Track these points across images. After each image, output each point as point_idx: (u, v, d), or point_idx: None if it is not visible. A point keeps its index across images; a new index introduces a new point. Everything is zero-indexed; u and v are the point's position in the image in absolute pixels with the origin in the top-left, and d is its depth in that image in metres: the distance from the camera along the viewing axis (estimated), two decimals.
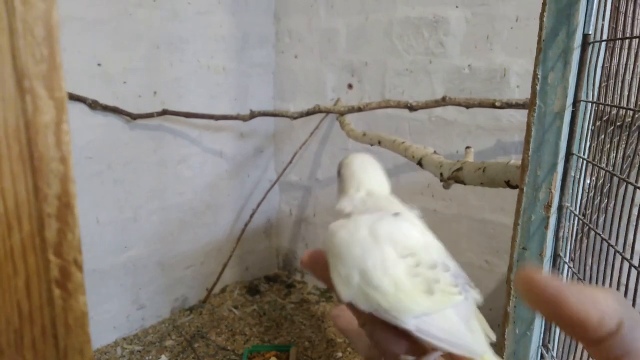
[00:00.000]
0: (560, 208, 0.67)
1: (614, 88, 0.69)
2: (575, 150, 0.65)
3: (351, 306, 0.28)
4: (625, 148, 0.78)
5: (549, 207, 0.66)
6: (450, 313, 0.26)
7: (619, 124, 0.73)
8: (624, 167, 0.91)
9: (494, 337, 0.29)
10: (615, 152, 0.78)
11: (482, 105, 1.56)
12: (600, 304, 0.25)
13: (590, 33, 0.62)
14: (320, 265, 0.30)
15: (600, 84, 0.68)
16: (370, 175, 0.34)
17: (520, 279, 0.23)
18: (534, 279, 0.23)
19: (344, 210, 0.32)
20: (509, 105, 1.50)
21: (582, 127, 0.66)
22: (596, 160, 0.72)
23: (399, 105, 1.69)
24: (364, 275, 0.27)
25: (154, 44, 1.83)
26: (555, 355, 0.72)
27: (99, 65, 1.69)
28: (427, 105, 1.66)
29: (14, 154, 0.22)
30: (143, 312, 1.99)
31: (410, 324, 0.25)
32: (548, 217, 0.66)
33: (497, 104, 1.51)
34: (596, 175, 0.78)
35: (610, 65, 0.69)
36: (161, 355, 1.82)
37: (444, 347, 0.25)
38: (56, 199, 0.23)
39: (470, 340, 0.26)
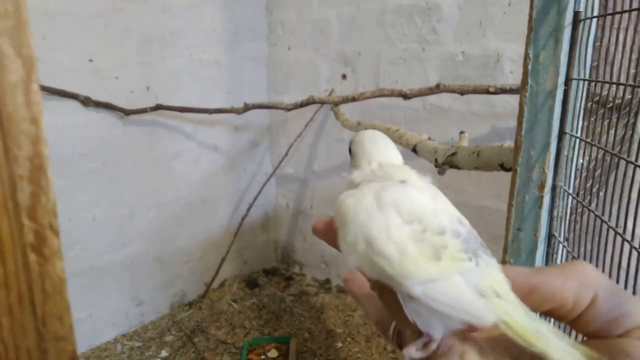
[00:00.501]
0: (553, 187, 0.67)
1: (605, 66, 0.68)
2: (567, 129, 0.65)
3: (375, 284, 0.28)
4: (616, 129, 0.78)
5: (542, 186, 0.66)
6: (458, 279, 0.26)
7: (609, 105, 0.73)
8: (617, 149, 0.90)
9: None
10: (606, 133, 0.78)
11: (476, 91, 1.55)
12: (572, 280, 0.26)
13: (581, 10, 0.61)
14: (332, 232, 0.30)
15: (592, 62, 0.68)
16: (380, 148, 0.34)
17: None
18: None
19: (354, 180, 0.32)
20: (502, 91, 1.49)
21: (575, 106, 0.66)
22: (589, 140, 0.72)
23: (392, 94, 1.69)
24: (368, 242, 0.27)
25: (145, 39, 1.81)
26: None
27: (90, 61, 1.68)
28: (420, 93, 1.65)
29: None
30: (142, 308, 1.99)
31: (416, 290, 0.25)
32: (542, 197, 0.66)
33: (491, 90, 1.51)
34: (589, 156, 0.77)
35: (601, 43, 0.69)
36: (161, 351, 1.82)
37: (451, 313, 0.25)
38: (28, 160, 0.22)
39: (479, 306, 0.25)
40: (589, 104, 0.72)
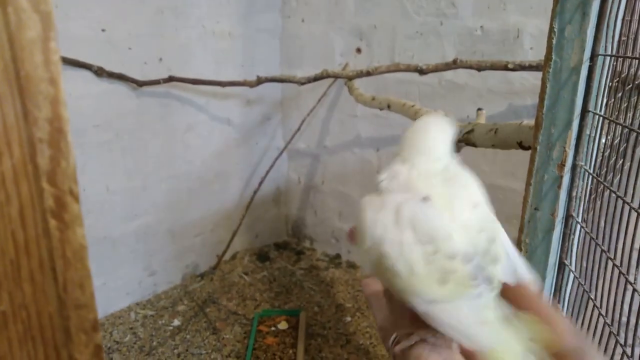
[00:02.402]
0: (574, 167, 0.66)
1: (634, 43, 0.66)
2: (591, 107, 0.63)
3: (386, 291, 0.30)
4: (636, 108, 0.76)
5: (562, 165, 0.64)
6: (461, 304, 0.26)
7: (637, 82, 0.71)
8: None
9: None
10: (632, 111, 0.75)
11: (493, 67, 1.51)
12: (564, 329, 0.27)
13: None
14: None
15: (620, 37, 0.65)
16: (425, 146, 0.32)
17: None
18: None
19: (380, 183, 0.32)
20: (521, 67, 1.45)
21: (599, 83, 0.64)
22: (613, 118, 0.70)
23: (408, 69, 1.65)
24: (381, 255, 0.27)
25: (158, 9, 1.79)
26: (565, 315, 0.71)
27: (103, 30, 1.67)
28: (437, 68, 1.62)
29: None
30: (154, 278, 2.03)
31: (421, 307, 0.26)
32: (561, 177, 0.65)
33: (510, 66, 1.47)
34: (612, 134, 0.75)
35: (631, 18, 0.66)
36: (173, 320, 1.86)
37: (451, 335, 0.26)
38: (47, 122, 0.21)
39: (477, 333, 0.26)
40: (615, 81, 0.69)
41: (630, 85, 0.73)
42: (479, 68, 1.54)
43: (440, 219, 0.28)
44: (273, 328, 1.78)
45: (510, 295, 0.28)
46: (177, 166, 2.01)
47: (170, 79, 1.84)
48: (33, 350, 0.22)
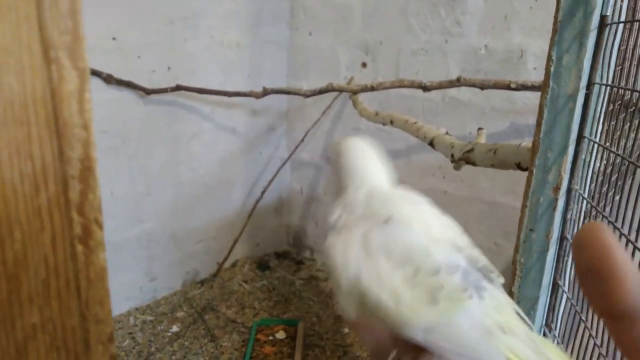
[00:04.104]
0: (569, 190, 0.68)
1: (629, 71, 0.68)
2: (586, 133, 0.65)
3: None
4: (637, 133, 0.77)
5: (557, 189, 0.66)
6: (461, 321, 0.24)
7: (631, 108, 0.73)
8: (637, 153, 0.90)
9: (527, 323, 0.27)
10: (626, 137, 0.77)
11: (496, 86, 1.54)
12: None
13: (608, 14, 0.61)
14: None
15: (616, 66, 0.67)
16: (371, 167, 0.32)
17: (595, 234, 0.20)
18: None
19: (335, 223, 0.30)
20: (524, 87, 1.48)
21: (595, 110, 0.66)
22: (607, 145, 0.72)
23: (412, 85, 1.68)
24: (362, 294, 0.25)
25: (168, 19, 1.83)
26: (557, 334, 0.73)
27: (114, 39, 1.70)
28: (440, 86, 1.64)
29: (40, 120, 0.23)
30: (155, 284, 2.04)
31: (418, 337, 0.24)
32: (556, 199, 0.67)
33: (512, 85, 1.49)
34: (606, 160, 0.77)
35: (626, 47, 0.68)
36: (172, 325, 1.87)
37: (458, 357, 0.24)
38: (79, 162, 0.24)
39: (486, 349, 0.24)
40: (611, 106, 0.71)
41: (625, 111, 0.75)
42: (482, 87, 1.56)
43: (411, 235, 0.26)
44: (271, 337, 1.79)
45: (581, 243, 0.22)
46: (181, 173, 2.03)
47: (178, 87, 1.87)
48: (57, 358, 0.24)
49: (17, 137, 0.23)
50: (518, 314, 0.27)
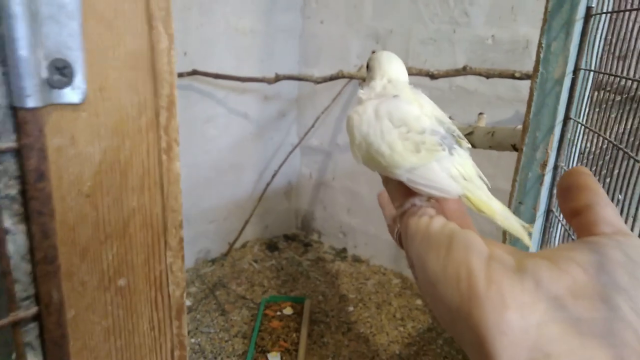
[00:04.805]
0: (555, 167, 0.74)
1: (613, 59, 0.73)
2: (572, 114, 0.71)
3: (383, 178, 0.37)
4: (626, 121, 0.83)
5: (544, 165, 0.72)
6: (433, 165, 0.34)
7: (624, 96, 0.78)
8: (630, 140, 0.95)
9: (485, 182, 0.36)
10: (618, 124, 0.83)
11: (501, 75, 1.59)
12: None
13: (593, 5, 0.67)
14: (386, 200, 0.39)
15: (602, 53, 0.73)
16: (392, 65, 0.42)
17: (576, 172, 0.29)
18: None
19: (361, 98, 0.41)
20: (528, 77, 1.53)
21: (581, 94, 0.72)
22: (597, 128, 0.78)
23: (420, 73, 1.74)
24: (368, 144, 0.36)
25: (185, 5, 1.89)
26: None
27: None
28: (447, 74, 1.70)
29: (145, 66, 0.33)
30: None
31: (403, 176, 0.34)
32: (543, 175, 0.73)
33: (517, 75, 1.55)
34: (596, 144, 0.83)
35: (612, 36, 0.74)
36: (185, 300, 1.96)
37: (428, 191, 0.34)
38: (166, 97, 0.33)
39: (448, 184, 0.33)
40: (602, 92, 0.77)
41: (620, 97, 0.81)
42: (488, 75, 1.61)
43: (409, 107, 0.37)
44: (279, 313, 1.88)
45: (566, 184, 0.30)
46: (195, 155, 2.11)
47: (194, 72, 1.94)
48: (148, 235, 0.33)
49: (130, 77, 0.31)
50: (479, 175, 0.37)
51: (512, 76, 1.56)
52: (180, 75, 1.92)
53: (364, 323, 1.87)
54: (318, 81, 1.97)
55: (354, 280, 2.16)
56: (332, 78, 1.95)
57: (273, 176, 2.34)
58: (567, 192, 0.30)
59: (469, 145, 0.38)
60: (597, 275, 0.24)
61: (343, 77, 1.95)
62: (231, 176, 2.29)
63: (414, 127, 0.35)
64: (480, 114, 1.18)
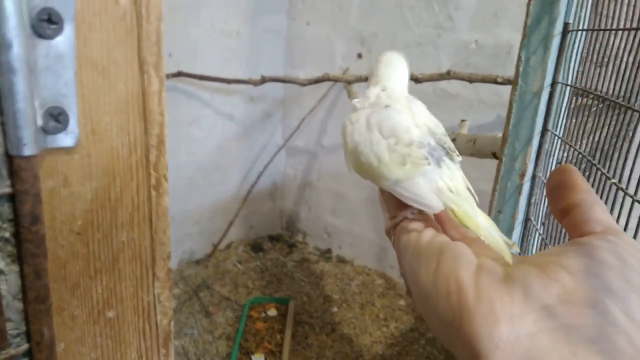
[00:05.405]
0: (533, 177, 0.76)
1: (591, 65, 0.76)
2: (550, 126, 0.73)
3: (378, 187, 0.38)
4: (601, 131, 0.85)
5: (522, 175, 0.74)
6: (418, 179, 0.35)
7: (593, 108, 0.81)
8: (606, 147, 0.98)
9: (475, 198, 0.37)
10: (594, 133, 0.85)
11: (484, 80, 1.62)
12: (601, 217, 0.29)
13: (570, 21, 0.69)
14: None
15: (579, 68, 0.75)
16: (390, 72, 0.42)
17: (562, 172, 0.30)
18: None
19: (356, 106, 0.41)
20: (509, 82, 1.56)
21: (558, 106, 0.74)
22: (572, 141, 0.80)
23: None
24: (358, 153, 0.36)
25: (171, 7, 1.88)
26: None
27: None
28: (431, 78, 1.72)
29: (135, 109, 0.35)
30: None
31: (391, 188, 0.35)
32: (522, 185, 0.75)
33: (499, 80, 1.57)
34: (572, 152, 0.85)
35: (589, 51, 0.76)
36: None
37: (412, 204, 0.34)
38: (156, 136, 0.35)
39: (430, 199, 0.34)
40: (581, 98, 0.79)
41: (596, 107, 0.83)
42: (471, 80, 1.64)
43: (399, 118, 0.37)
44: (263, 314, 1.89)
45: (554, 182, 0.31)
46: (180, 156, 2.10)
47: (179, 73, 1.94)
48: (137, 267, 0.34)
49: (121, 120, 0.33)
50: (468, 188, 0.37)
51: (495, 81, 1.59)
52: (165, 76, 1.91)
53: (347, 324, 1.89)
54: (304, 83, 1.98)
55: (339, 281, 2.18)
56: (317, 81, 1.96)
57: (258, 177, 2.35)
58: (555, 191, 0.31)
59: (460, 159, 0.38)
60: (587, 280, 0.24)
61: (329, 79, 1.97)
62: (216, 177, 2.29)
63: (403, 138, 0.36)
64: (463, 120, 1.20)
